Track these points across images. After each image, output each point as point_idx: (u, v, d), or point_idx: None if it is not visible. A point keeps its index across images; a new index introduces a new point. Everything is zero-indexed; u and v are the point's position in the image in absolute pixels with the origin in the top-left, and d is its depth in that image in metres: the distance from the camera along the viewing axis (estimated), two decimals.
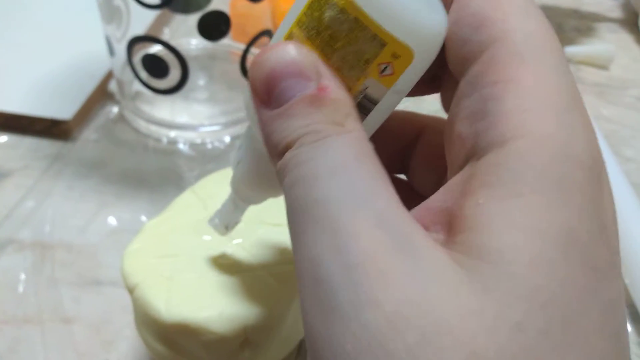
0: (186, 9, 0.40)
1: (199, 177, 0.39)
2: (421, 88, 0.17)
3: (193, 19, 0.39)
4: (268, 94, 0.15)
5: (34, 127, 0.42)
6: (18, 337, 0.29)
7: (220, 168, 0.39)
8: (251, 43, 0.40)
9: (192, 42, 0.49)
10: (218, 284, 0.23)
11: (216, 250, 0.24)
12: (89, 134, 0.43)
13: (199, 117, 0.44)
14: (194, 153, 0.41)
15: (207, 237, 0.25)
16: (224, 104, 0.45)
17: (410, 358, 0.11)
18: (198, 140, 0.42)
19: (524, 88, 0.13)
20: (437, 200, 0.14)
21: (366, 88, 0.15)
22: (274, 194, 0.20)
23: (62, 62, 0.47)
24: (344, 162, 0.14)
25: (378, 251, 0.12)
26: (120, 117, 0.44)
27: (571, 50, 0.53)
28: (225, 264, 0.24)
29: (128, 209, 0.37)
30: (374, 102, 0.16)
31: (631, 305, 0.33)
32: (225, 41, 0.40)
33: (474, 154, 0.14)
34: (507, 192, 0.13)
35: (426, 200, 0.15)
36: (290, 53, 0.15)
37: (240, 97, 0.44)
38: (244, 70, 0.41)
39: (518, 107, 0.13)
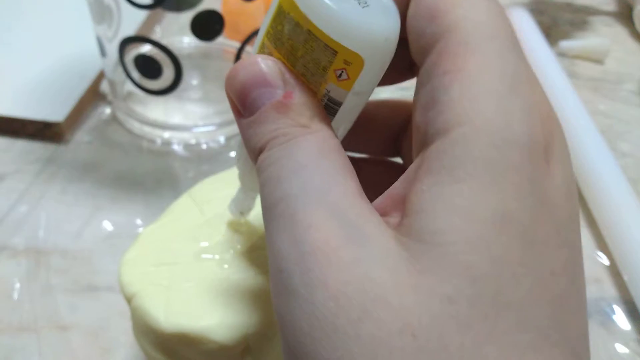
0: (178, 7, 0.39)
1: (194, 178, 0.39)
2: (398, 76, 0.18)
3: (185, 16, 0.38)
4: (242, 105, 0.16)
5: (26, 129, 0.42)
6: (14, 346, 0.29)
7: (215, 169, 0.39)
8: (246, 41, 0.40)
9: (184, 41, 0.48)
10: (217, 291, 0.23)
11: (214, 257, 0.24)
12: (81, 136, 0.42)
13: (193, 118, 0.43)
14: (189, 154, 0.41)
15: (204, 244, 0.25)
16: (218, 103, 0.44)
17: (354, 330, 0.13)
18: (192, 141, 0.42)
19: (469, 76, 0.14)
20: (397, 187, 0.15)
21: (329, 92, 0.16)
22: None
23: (52, 63, 0.46)
24: (305, 161, 0.15)
25: (329, 240, 0.14)
26: (113, 118, 0.44)
27: (566, 44, 0.53)
28: (224, 271, 0.24)
29: (123, 212, 0.36)
30: (338, 105, 0.17)
31: (630, 302, 0.33)
32: (219, 39, 0.39)
33: (425, 142, 0.15)
34: (447, 178, 0.14)
35: (390, 188, 0.16)
36: (257, 65, 0.16)
37: None
38: None
39: (462, 96, 0.14)
